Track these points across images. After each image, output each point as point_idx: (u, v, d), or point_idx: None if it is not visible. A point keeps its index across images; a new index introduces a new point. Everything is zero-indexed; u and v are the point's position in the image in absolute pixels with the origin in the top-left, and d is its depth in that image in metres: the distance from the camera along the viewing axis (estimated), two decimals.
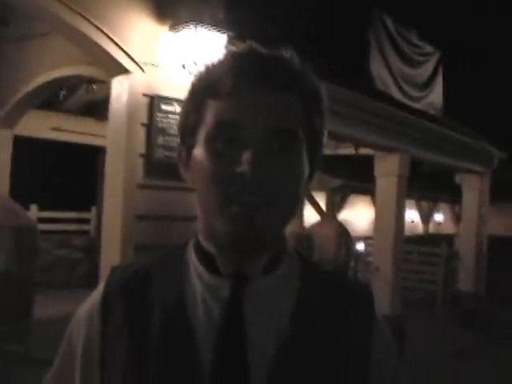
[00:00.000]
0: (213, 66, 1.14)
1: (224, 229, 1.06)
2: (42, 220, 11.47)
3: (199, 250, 1.17)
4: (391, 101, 9.25)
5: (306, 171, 1.14)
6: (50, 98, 9.38)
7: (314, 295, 1.18)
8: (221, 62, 1.13)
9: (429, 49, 11.20)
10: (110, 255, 5.12)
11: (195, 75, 1.16)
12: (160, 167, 5.08)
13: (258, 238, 1.06)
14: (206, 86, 1.11)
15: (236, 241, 1.06)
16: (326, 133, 1.18)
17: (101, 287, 1.21)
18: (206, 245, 1.14)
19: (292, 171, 1.08)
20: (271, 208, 1.05)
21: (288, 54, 1.14)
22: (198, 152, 1.09)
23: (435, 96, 11.23)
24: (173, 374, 1.09)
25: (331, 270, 1.37)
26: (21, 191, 8.83)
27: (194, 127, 1.11)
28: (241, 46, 1.15)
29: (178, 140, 1.18)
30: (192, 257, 1.18)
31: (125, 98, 5.08)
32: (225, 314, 1.10)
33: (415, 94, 10.41)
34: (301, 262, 1.22)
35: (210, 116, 1.08)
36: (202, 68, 1.15)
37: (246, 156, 1.02)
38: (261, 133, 1.05)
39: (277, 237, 1.14)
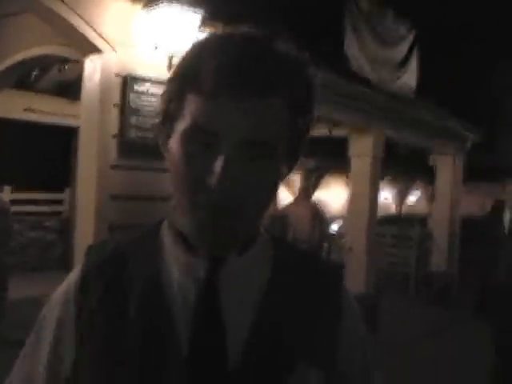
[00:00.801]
0: (196, 53, 1.08)
1: (192, 229, 1.08)
2: (15, 202, 11.36)
3: (174, 230, 1.16)
4: (365, 82, 9.27)
5: (282, 175, 1.14)
6: (22, 79, 9.28)
7: (286, 274, 1.20)
8: (205, 50, 1.07)
9: (404, 29, 11.21)
10: (85, 236, 5.11)
11: (178, 64, 1.11)
12: (133, 147, 5.06)
13: (224, 240, 1.08)
14: (187, 78, 1.06)
15: (203, 242, 1.08)
16: (310, 129, 1.16)
17: (77, 270, 1.21)
18: (181, 226, 1.14)
19: (264, 180, 1.07)
20: (238, 215, 1.05)
21: (279, 39, 1.09)
22: (174, 144, 1.08)
23: (409, 77, 11.26)
24: (150, 355, 1.10)
25: (303, 249, 1.39)
26: None
27: (172, 117, 1.09)
28: (229, 29, 1.09)
29: (158, 120, 1.15)
30: (167, 237, 1.18)
31: (97, 77, 5.05)
32: (200, 294, 1.11)
33: (389, 74, 10.43)
34: (273, 242, 1.24)
35: (187, 113, 1.05)
36: (185, 53, 1.10)
37: (218, 165, 1.01)
38: (234, 143, 1.02)
39: (244, 235, 1.14)
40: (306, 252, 1.36)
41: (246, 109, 1.02)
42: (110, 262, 1.18)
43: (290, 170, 1.17)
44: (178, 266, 1.14)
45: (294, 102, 1.08)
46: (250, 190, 1.04)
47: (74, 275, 1.21)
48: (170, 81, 1.11)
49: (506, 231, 15.02)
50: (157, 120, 1.17)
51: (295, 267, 1.23)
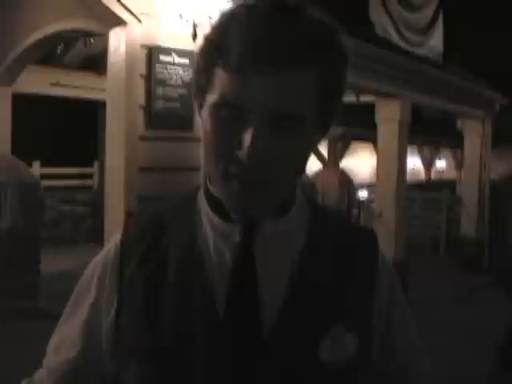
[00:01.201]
0: (223, 26, 1.07)
1: (224, 198, 1.10)
2: (44, 176, 11.47)
3: (209, 197, 1.18)
4: (391, 46, 9.17)
5: (312, 145, 1.14)
6: (48, 54, 9.31)
7: (322, 238, 1.21)
8: (232, 22, 1.05)
9: None
10: (114, 208, 5.14)
11: (206, 37, 1.10)
12: (160, 118, 5.07)
13: (256, 209, 1.10)
14: (214, 52, 1.06)
15: (235, 210, 1.11)
16: (342, 100, 1.15)
17: (117, 234, 1.24)
18: (216, 192, 1.15)
19: (293, 152, 1.07)
20: (268, 187, 1.06)
21: (309, 7, 1.07)
22: (205, 115, 1.09)
23: (435, 40, 11.13)
24: (187, 318, 1.12)
25: (338, 213, 1.40)
26: (22, 148, 8.82)
27: (203, 89, 1.10)
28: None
29: (194, 90, 1.15)
30: (203, 203, 1.20)
31: (122, 50, 5.05)
32: (236, 259, 1.13)
33: (415, 38, 10.32)
34: (309, 206, 1.25)
35: (216, 86, 1.05)
36: (212, 25, 1.10)
37: (248, 136, 1.01)
38: (262, 116, 1.02)
39: (277, 202, 1.15)
40: (341, 216, 1.37)
41: (273, 83, 1.01)
42: (149, 227, 1.22)
43: (320, 139, 1.18)
44: (214, 232, 1.17)
45: (324, 74, 1.07)
46: (280, 162, 1.05)
47: (114, 240, 1.25)
48: (200, 53, 1.11)
49: None
50: (184, 90, 1.18)
51: (331, 231, 1.25)
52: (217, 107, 1.05)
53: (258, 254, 1.14)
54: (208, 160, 1.10)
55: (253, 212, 1.10)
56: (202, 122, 1.12)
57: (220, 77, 1.05)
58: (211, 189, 1.17)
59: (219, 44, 1.05)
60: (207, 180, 1.19)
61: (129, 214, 1.28)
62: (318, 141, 1.16)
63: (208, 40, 1.09)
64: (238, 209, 1.10)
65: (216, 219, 1.17)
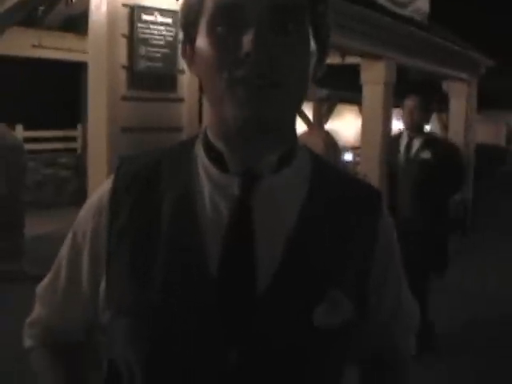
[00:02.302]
0: None
1: (232, 112, 1.04)
2: (27, 140, 11.41)
3: (208, 146, 1.15)
4: (376, 6, 9.10)
5: (314, 55, 1.11)
6: (29, 15, 9.18)
7: (324, 193, 1.19)
8: None
9: None
10: (97, 170, 5.11)
11: None
12: (143, 78, 5.01)
13: (266, 119, 1.04)
14: None
15: (244, 124, 1.04)
16: (330, 17, 1.16)
17: (109, 180, 1.21)
18: (215, 141, 1.13)
19: (297, 52, 1.06)
20: (278, 89, 1.03)
21: None
22: (201, 41, 1.07)
23: (422, 2, 11.05)
24: (179, 274, 1.10)
25: (342, 170, 1.38)
26: (5, 111, 8.74)
27: (195, 17, 1.08)
28: None
29: (181, 32, 1.15)
30: (200, 153, 1.17)
31: (104, 9, 4.95)
32: (233, 211, 1.11)
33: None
34: (310, 159, 1.22)
35: (209, 2, 1.04)
36: None
37: (249, 36, 0.99)
38: (262, 11, 1.01)
39: (286, 123, 1.13)
40: (345, 173, 1.34)
41: None
42: (142, 174, 1.19)
43: (320, 61, 1.15)
44: (210, 183, 1.14)
45: None
46: (285, 64, 1.03)
47: (106, 186, 1.22)
48: None
49: None
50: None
51: (333, 186, 1.22)
52: (213, 19, 1.04)
53: (256, 209, 1.11)
54: (210, 84, 1.07)
55: (258, 145, 1.07)
56: (194, 59, 1.11)
57: None
58: (211, 137, 1.15)
59: None
60: (208, 129, 1.17)
61: (121, 159, 1.25)
62: (314, 59, 1.13)
63: None
64: (246, 127, 1.04)
65: (213, 170, 1.14)
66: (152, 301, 1.09)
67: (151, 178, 1.18)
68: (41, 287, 1.33)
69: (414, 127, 5.93)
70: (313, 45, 1.10)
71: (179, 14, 1.16)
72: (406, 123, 6.03)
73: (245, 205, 1.11)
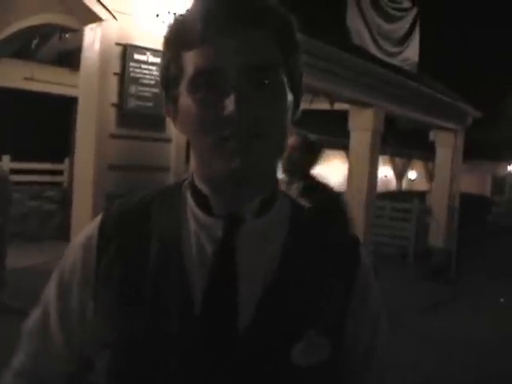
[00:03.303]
0: (182, 15, 1.14)
1: (220, 166, 1.08)
2: (14, 171, 11.36)
3: (194, 190, 1.19)
4: (367, 55, 9.23)
5: (290, 104, 1.16)
6: (23, 48, 9.22)
7: (303, 238, 1.22)
8: (190, 10, 1.13)
9: (406, 4, 11.16)
10: (82, 206, 5.11)
11: (168, 27, 1.16)
12: (132, 117, 5.04)
13: (253, 169, 1.09)
14: (178, 38, 1.12)
15: (234, 176, 1.08)
16: (303, 65, 1.19)
17: (98, 219, 1.23)
18: (201, 186, 1.17)
19: (276, 103, 1.10)
20: (261, 140, 1.07)
21: None
22: (183, 102, 1.11)
23: (411, 52, 11.22)
24: (163, 312, 1.11)
25: (322, 215, 1.39)
26: None
27: (175, 79, 1.12)
28: None
29: (163, 95, 1.18)
30: (188, 196, 1.20)
31: (97, 46, 5.02)
32: (217, 251, 1.13)
33: (391, 49, 10.40)
34: (291, 205, 1.26)
35: (188, 66, 1.09)
36: (172, 19, 1.16)
37: (230, 98, 1.04)
38: (239, 72, 1.06)
39: (270, 171, 1.18)
40: (324, 218, 1.36)
41: (240, 39, 1.07)
42: (132, 213, 1.21)
43: (295, 110, 1.19)
44: (197, 226, 1.17)
45: (278, 33, 1.12)
46: (266, 117, 1.08)
47: (93, 225, 1.23)
48: (163, 51, 1.16)
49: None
50: (158, 90, 1.20)
51: (312, 231, 1.25)
52: (194, 83, 1.08)
53: (238, 250, 1.14)
54: (197, 141, 1.11)
55: (245, 178, 1.09)
56: (177, 117, 1.15)
57: (189, 56, 1.09)
58: (197, 182, 1.18)
59: (182, 29, 1.12)
60: (194, 174, 1.20)
61: (111, 203, 1.27)
62: (294, 108, 1.18)
63: (170, 32, 1.15)
64: (232, 177, 1.08)
65: (199, 213, 1.17)
66: (136, 336, 1.11)
67: (140, 219, 1.20)
68: (28, 330, 1.29)
69: (292, 171, 4.90)
70: (289, 93, 1.15)
71: (159, 75, 1.21)
72: (282, 165, 4.98)
73: (228, 246, 1.13)
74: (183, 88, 1.11)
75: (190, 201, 1.19)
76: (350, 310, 1.21)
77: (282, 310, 1.14)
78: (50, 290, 1.25)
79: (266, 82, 1.09)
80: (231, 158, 1.06)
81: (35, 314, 1.28)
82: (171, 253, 1.15)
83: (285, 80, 1.13)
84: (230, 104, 1.04)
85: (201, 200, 1.17)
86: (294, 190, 4.71)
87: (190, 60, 1.09)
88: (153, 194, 1.26)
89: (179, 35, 1.12)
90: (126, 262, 1.16)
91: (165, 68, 1.15)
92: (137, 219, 1.20)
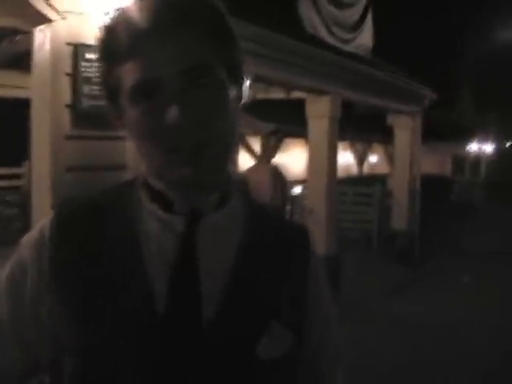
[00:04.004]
0: (109, 25, 1.13)
1: (172, 175, 1.09)
2: None
3: (149, 188, 1.19)
4: (321, 43, 9.26)
5: (235, 98, 1.17)
6: None
7: (259, 232, 1.24)
8: (116, 19, 1.12)
9: None
10: (42, 209, 5.06)
11: (97, 40, 1.15)
12: (87, 117, 4.99)
13: (205, 176, 1.10)
14: (110, 51, 1.12)
15: (186, 183, 1.10)
16: (242, 55, 1.19)
17: (48, 218, 1.21)
18: (156, 184, 1.17)
19: (219, 102, 1.11)
20: (211, 145, 1.08)
21: None
22: (128, 113, 1.12)
23: (365, 37, 11.28)
24: (127, 309, 1.11)
25: (271, 208, 1.43)
26: None
27: (115, 90, 1.13)
28: None
29: (106, 102, 1.19)
30: (142, 194, 1.20)
31: (47, 47, 4.96)
32: (179, 247, 1.14)
33: (345, 35, 10.44)
34: (245, 201, 1.28)
35: (125, 79, 1.10)
36: (100, 30, 1.15)
37: (171, 107, 1.04)
38: (176, 79, 1.06)
39: (224, 171, 1.18)
40: (274, 211, 1.41)
41: (172, 44, 1.07)
42: (83, 213, 1.20)
43: (238, 97, 1.19)
44: (155, 223, 1.17)
45: (211, 32, 1.11)
46: (210, 119, 1.08)
47: (45, 223, 1.21)
48: (99, 58, 1.17)
49: None
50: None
51: (267, 226, 1.28)
52: (133, 96, 1.09)
53: (199, 245, 1.15)
54: (145, 149, 1.12)
55: (201, 179, 1.10)
56: (125, 124, 1.15)
57: (125, 69, 1.09)
58: (151, 181, 1.18)
59: (112, 42, 1.11)
60: (146, 173, 1.20)
61: (60, 201, 1.26)
62: (236, 98, 1.18)
63: (101, 44, 1.15)
64: (187, 180, 1.09)
65: (157, 210, 1.17)
66: (99, 341, 1.10)
67: (92, 217, 1.18)
68: None
69: None
70: (231, 87, 1.16)
71: (99, 86, 1.21)
72: None
73: (189, 242, 1.14)
74: (124, 99, 1.11)
75: (146, 199, 1.19)
76: (306, 299, 1.25)
77: (244, 304, 1.16)
78: (0, 290, 1.22)
79: (205, 82, 1.08)
80: (181, 167, 1.07)
81: None
82: (128, 252, 1.15)
83: (225, 75, 1.13)
84: (172, 113, 1.04)
85: (158, 198, 1.17)
86: None
87: (126, 72, 1.09)
88: (103, 193, 1.25)
89: (110, 48, 1.12)
90: (80, 264, 1.14)
91: (103, 80, 1.16)
92: (89, 218, 1.19)
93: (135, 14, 1.09)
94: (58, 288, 1.13)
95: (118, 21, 1.12)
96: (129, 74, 1.09)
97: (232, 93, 1.16)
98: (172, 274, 1.13)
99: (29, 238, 1.23)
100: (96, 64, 5.01)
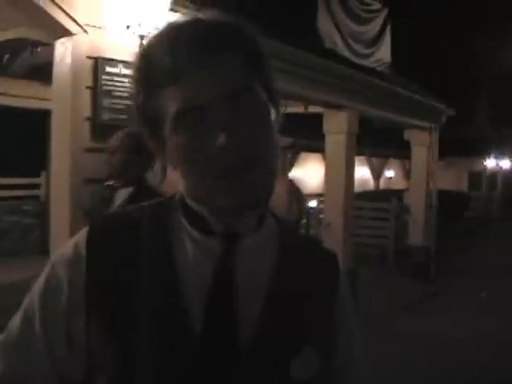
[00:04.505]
0: (146, 50, 1.12)
1: (223, 201, 1.08)
2: None
3: (187, 211, 1.17)
4: (339, 58, 9.28)
5: (275, 119, 1.15)
6: None
7: (292, 253, 1.23)
8: (153, 44, 1.11)
9: (376, 5, 11.24)
10: (60, 219, 5.10)
11: (134, 66, 1.13)
12: (106, 130, 5.02)
13: (255, 198, 1.09)
14: (149, 78, 1.10)
15: (236, 208, 1.09)
16: (274, 77, 1.19)
17: (83, 233, 1.18)
18: (195, 206, 1.15)
19: (263, 123, 1.10)
20: (258, 167, 1.07)
21: (227, 16, 1.13)
22: (170, 140, 1.09)
23: (383, 53, 11.29)
24: (161, 333, 1.10)
25: (300, 231, 1.43)
26: None
27: (154, 118, 1.11)
28: (177, 18, 1.13)
29: (143, 130, 1.16)
30: (181, 215, 1.18)
31: (68, 60, 5.01)
32: (217, 270, 1.13)
33: (363, 51, 10.45)
34: (276, 223, 1.26)
35: (167, 106, 1.08)
36: (137, 56, 1.13)
37: (218, 133, 1.03)
38: (220, 104, 1.05)
39: (269, 193, 1.15)
40: (305, 235, 1.40)
41: (212, 68, 1.06)
42: (119, 230, 1.18)
43: (277, 118, 1.17)
44: (192, 244, 1.15)
45: (248, 55, 1.11)
46: (257, 142, 1.07)
47: (80, 238, 1.18)
48: (136, 85, 1.14)
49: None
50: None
51: (299, 247, 1.28)
52: (177, 125, 1.07)
53: (237, 268, 1.14)
54: (191, 176, 1.09)
55: (244, 201, 1.08)
56: (168, 151, 1.12)
57: (166, 96, 1.07)
58: (190, 203, 1.16)
59: (153, 67, 1.09)
60: (185, 195, 1.18)
61: (97, 218, 1.24)
62: (276, 120, 1.16)
63: (138, 69, 1.13)
64: (234, 211, 1.09)
65: (194, 232, 1.15)
66: (133, 361, 1.09)
67: (129, 236, 1.17)
68: (6, 340, 1.21)
69: (116, 175, 4.17)
70: (271, 108, 1.14)
71: (135, 114, 1.17)
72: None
73: (227, 265, 1.13)
74: (167, 127, 1.09)
75: (184, 219, 1.18)
76: (336, 320, 1.26)
77: (279, 326, 1.16)
78: (33, 303, 1.19)
79: (249, 104, 1.08)
80: (231, 193, 1.06)
81: (16, 324, 1.20)
82: (164, 273, 1.14)
83: (265, 97, 1.13)
84: (220, 138, 1.03)
85: (196, 219, 1.16)
86: (120, 197, 4.07)
87: (167, 99, 1.08)
88: (140, 211, 1.23)
89: (149, 76, 1.10)
90: (116, 282, 1.13)
91: (140, 107, 1.13)
92: (126, 237, 1.17)
93: (171, 39, 1.08)
94: (93, 305, 1.12)
95: (155, 47, 1.10)
96: (171, 101, 1.07)
97: (273, 114, 1.15)
98: (209, 297, 1.12)
99: (63, 254, 1.19)
100: (116, 78, 5.08)
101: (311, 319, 1.20)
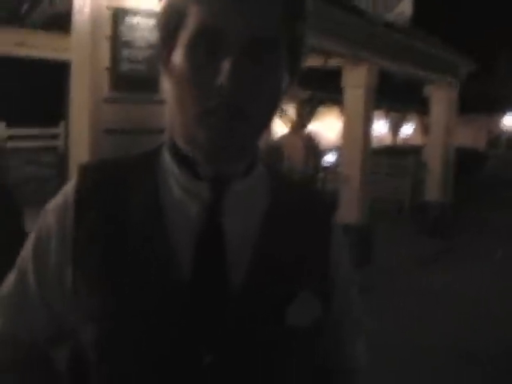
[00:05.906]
0: None
1: (203, 137, 1.07)
2: (10, 137, 11.35)
3: (177, 153, 1.16)
4: (359, 11, 9.16)
5: (285, 82, 1.14)
6: (13, 13, 9.13)
7: (283, 200, 1.24)
8: None
9: None
10: None
11: None
12: (126, 80, 5.02)
13: (235, 147, 1.08)
14: None
15: (215, 150, 1.08)
16: (307, 41, 1.17)
17: (72, 183, 1.19)
18: (185, 148, 1.14)
19: (269, 83, 1.08)
20: (248, 120, 1.06)
21: None
22: (178, 57, 1.08)
23: (405, 6, 11.12)
24: (150, 279, 1.11)
25: (296, 179, 1.44)
26: None
27: (175, 29, 1.09)
28: None
29: (158, 40, 1.14)
30: (169, 160, 1.18)
31: (87, 10, 4.98)
32: (205, 214, 1.13)
33: (384, 3, 10.30)
34: (268, 171, 1.27)
35: (191, 21, 1.05)
36: None
37: (225, 66, 1.01)
38: (242, 41, 1.03)
39: (254, 145, 1.17)
40: (299, 182, 1.40)
41: (248, 7, 1.03)
42: (107, 179, 1.18)
43: (291, 79, 1.17)
44: (180, 189, 1.15)
45: (288, 4, 1.09)
46: (256, 95, 1.06)
47: (68, 188, 1.20)
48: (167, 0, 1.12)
49: None
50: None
51: (291, 193, 1.28)
52: (194, 39, 1.05)
53: (225, 212, 1.14)
54: (182, 104, 1.08)
55: (230, 151, 1.09)
56: (170, 70, 1.11)
57: (194, 10, 1.05)
58: (179, 144, 1.16)
59: None
60: (176, 137, 1.17)
61: (83, 165, 1.23)
62: (289, 84, 1.16)
63: None
64: (217, 148, 1.07)
65: (183, 177, 1.15)
66: (121, 309, 1.10)
67: (116, 183, 1.17)
68: (5, 293, 1.25)
69: None
70: (285, 69, 1.12)
71: (157, 20, 1.15)
72: None
73: (215, 209, 1.13)
74: (181, 41, 1.08)
75: (172, 165, 1.17)
76: (330, 269, 1.26)
77: (270, 272, 1.16)
78: (27, 253, 1.22)
79: (265, 56, 1.06)
80: (212, 131, 1.06)
81: (11, 278, 1.25)
82: (152, 219, 1.14)
83: (284, 50, 1.11)
84: (223, 73, 1.02)
85: (184, 162, 1.15)
86: None
87: (194, 14, 1.05)
88: (129, 158, 1.25)
89: None
90: (103, 230, 1.13)
91: (165, 16, 1.11)
92: (113, 184, 1.18)
93: None
94: (80, 254, 1.13)
95: None
96: (197, 16, 1.05)
97: (284, 76, 1.13)
98: (197, 241, 1.12)
99: (53, 203, 1.21)
100: (136, 28, 5.04)
101: (303, 266, 1.20)
